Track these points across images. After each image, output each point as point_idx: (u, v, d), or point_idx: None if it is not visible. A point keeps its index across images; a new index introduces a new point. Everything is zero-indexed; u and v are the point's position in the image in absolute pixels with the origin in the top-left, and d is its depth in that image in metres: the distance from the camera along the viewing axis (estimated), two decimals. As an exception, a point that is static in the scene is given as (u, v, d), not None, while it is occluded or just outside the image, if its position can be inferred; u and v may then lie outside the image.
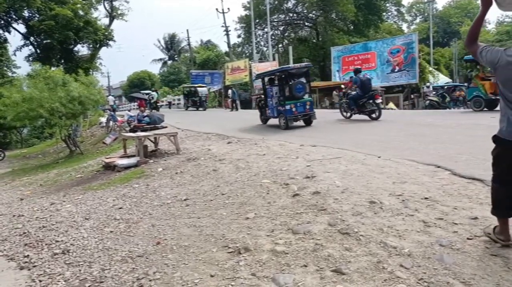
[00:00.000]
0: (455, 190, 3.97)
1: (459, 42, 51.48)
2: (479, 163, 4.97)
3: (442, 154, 5.77)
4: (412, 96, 26.10)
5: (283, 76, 11.38)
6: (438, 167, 4.92)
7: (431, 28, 42.30)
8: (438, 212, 3.42)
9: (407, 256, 2.73)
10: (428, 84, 24.54)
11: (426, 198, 3.77)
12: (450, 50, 50.29)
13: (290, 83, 11.04)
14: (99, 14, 29.37)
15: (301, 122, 11.51)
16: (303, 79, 11.34)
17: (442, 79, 33.09)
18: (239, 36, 44.99)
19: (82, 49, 29.27)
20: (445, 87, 23.53)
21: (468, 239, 2.89)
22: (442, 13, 60.61)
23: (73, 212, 5.36)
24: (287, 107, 10.83)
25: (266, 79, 12.51)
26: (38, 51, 27.21)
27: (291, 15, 42.99)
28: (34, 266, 3.55)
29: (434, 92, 22.54)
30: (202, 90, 27.64)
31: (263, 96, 12.83)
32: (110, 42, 29.08)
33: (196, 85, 29.47)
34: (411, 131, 8.52)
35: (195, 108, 27.31)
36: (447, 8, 61.16)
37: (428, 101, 22.39)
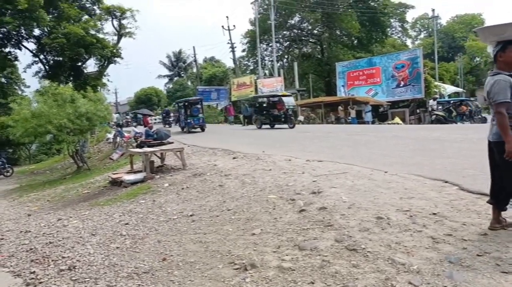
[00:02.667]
0: (463, 205, 3.93)
1: (463, 57, 51.63)
2: (487, 178, 4.89)
3: (449, 168, 5.73)
4: (418, 111, 26.03)
5: (186, 103, 20.71)
6: (446, 182, 4.88)
7: (436, 43, 42.47)
8: (447, 228, 3.38)
9: (416, 273, 2.69)
10: (435, 96, 24.44)
11: (434, 214, 3.73)
12: (455, 65, 50.39)
13: (190, 107, 20.14)
14: (107, 31, 29.92)
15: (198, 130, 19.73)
16: (198, 105, 20.58)
17: (449, 88, 33.05)
18: (243, 50, 45.60)
19: (90, 66, 29.84)
20: (451, 101, 23.47)
21: (478, 255, 2.84)
22: (446, 28, 60.96)
23: (79, 227, 5.38)
24: (189, 121, 19.81)
25: (179, 105, 22.03)
26: (47, 68, 27.75)
27: (296, 31, 43.52)
28: (40, 283, 3.55)
29: (440, 107, 22.45)
30: (288, 100, 19.97)
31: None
32: (118, 59, 29.63)
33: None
34: (418, 146, 8.48)
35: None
36: (451, 23, 61.52)
37: (434, 116, 22.31)
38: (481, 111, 23.52)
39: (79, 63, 28.28)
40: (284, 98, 19.49)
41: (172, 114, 28.42)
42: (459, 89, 38.59)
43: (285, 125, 18.12)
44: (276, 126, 18.90)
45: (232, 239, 3.97)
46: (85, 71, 29.57)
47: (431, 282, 2.55)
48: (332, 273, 2.85)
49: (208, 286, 3.02)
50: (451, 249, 2.99)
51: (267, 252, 3.44)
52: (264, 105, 20.72)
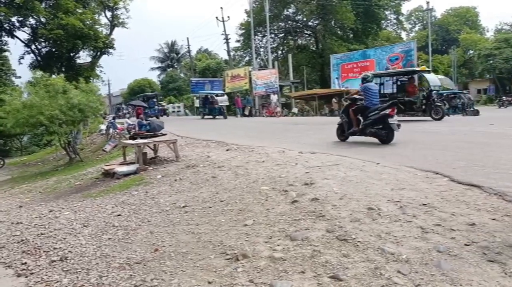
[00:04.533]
0: (453, 196, 3.98)
1: (457, 49, 51.81)
2: (477, 169, 4.99)
3: (440, 160, 5.78)
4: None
5: (145, 98, 27.96)
6: (436, 173, 4.93)
7: (430, 36, 42.53)
8: (436, 218, 3.42)
9: (405, 262, 2.72)
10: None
11: (424, 204, 3.78)
12: (449, 58, 50.59)
13: (147, 101, 26.76)
14: (100, 22, 29.46)
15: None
16: (154, 99, 28.20)
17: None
18: (238, 41, 45.34)
19: (83, 57, 29.48)
20: (445, 94, 23.58)
21: (465, 245, 2.89)
22: (441, 21, 61.04)
23: (71, 219, 5.35)
24: (146, 111, 23.30)
25: (140, 99, 27.78)
26: (39, 59, 27.37)
27: (290, 22, 43.31)
28: (32, 273, 3.54)
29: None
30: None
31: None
32: (111, 50, 29.27)
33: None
34: (410, 138, 8.54)
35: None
36: (446, 16, 61.59)
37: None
38: (474, 104, 23.69)
39: (72, 54, 27.92)
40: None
41: (124, 108, 34.24)
42: (449, 81, 38.71)
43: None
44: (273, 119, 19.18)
45: (225, 229, 3.99)
46: (78, 62, 29.24)
47: (419, 271, 2.59)
48: (323, 263, 2.88)
49: (200, 276, 3.03)
50: (439, 238, 3.03)
51: (259, 243, 3.46)
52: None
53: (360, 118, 8.35)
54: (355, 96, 8.73)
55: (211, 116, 25.37)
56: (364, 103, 8.33)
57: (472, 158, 5.83)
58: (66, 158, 16.84)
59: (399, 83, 14.64)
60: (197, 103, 35.36)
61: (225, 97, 26.03)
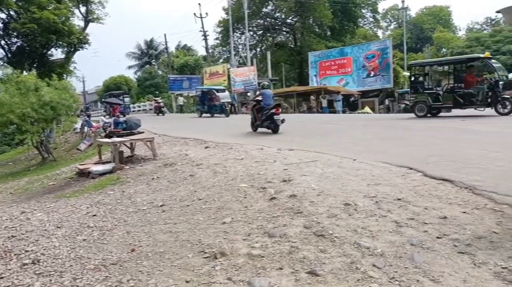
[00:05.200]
0: (426, 190, 4.09)
1: (431, 48, 53.22)
2: (448, 164, 5.15)
3: (414, 156, 5.93)
4: (387, 100, 26.73)
5: (112, 95, 30.09)
6: (411, 168, 5.06)
7: (405, 34, 43.49)
8: (410, 212, 3.51)
9: (380, 256, 2.78)
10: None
11: (398, 199, 3.87)
12: (423, 55, 51.88)
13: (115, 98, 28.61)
14: (74, 17, 28.66)
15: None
16: (120, 97, 30.22)
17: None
18: (217, 38, 45.08)
19: (56, 53, 28.61)
20: None
21: (437, 237, 2.98)
22: (416, 19, 62.52)
23: (44, 220, 5.19)
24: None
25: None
26: (9, 55, 26.38)
27: (269, 20, 43.37)
28: (1, 278, 3.41)
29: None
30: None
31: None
32: (86, 46, 28.52)
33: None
34: (386, 134, 8.73)
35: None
36: (420, 15, 63.13)
37: (403, 105, 22.97)
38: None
39: (44, 50, 27.03)
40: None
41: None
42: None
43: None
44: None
45: (203, 228, 3.97)
46: (51, 58, 28.35)
47: (394, 264, 2.66)
48: (300, 259, 2.91)
49: (178, 275, 3.01)
50: (413, 232, 3.11)
51: (237, 240, 3.46)
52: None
53: (260, 115, 10.97)
54: (258, 98, 11.40)
55: (209, 115, 22.66)
56: (262, 104, 10.93)
57: (443, 153, 6.00)
58: (38, 158, 16.32)
59: (456, 72, 13.02)
60: (180, 101, 34.87)
61: (227, 93, 24.06)
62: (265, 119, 10.73)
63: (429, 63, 13.94)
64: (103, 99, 26.97)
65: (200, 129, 14.16)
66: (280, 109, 11.20)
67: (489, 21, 59.17)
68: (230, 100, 23.88)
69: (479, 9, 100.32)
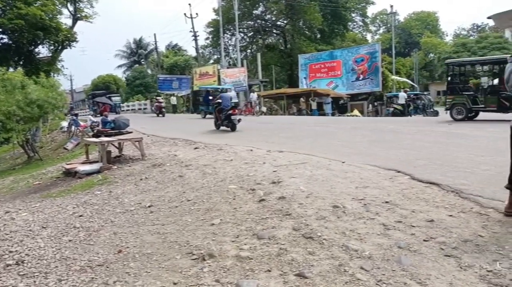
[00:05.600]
0: (413, 194, 4.14)
1: (419, 52, 53.99)
2: (436, 168, 5.23)
3: (402, 159, 6.00)
4: (375, 103, 27.01)
5: (94, 95, 33.73)
6: (398, 171, 5.11)
7: (393, 39, 44.05)
8: (398, 215, 3.54)
9: (368, 259, 2.80)
10: (406, 89, 25.38)
11: (386, 202, 3.90)
12: (411, 60, 52.62)
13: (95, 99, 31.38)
14: (61, 15, 28.24)
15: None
16: (107, 97, 31.27)
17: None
18: (207, 38, 44.95)
19: (43, 51, 28.15)
20: (411, 96, 24.40)
21: (424, 240, 3.01)
22: (404, 24, 63.34)
23: (29, 220, 5.10)
24: (95, 108, 26.97)
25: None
26: (-6, 52, 25.86)
27: (259, 21, 43.44)
28: (-16, 279, 3.34)
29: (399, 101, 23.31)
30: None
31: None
32: (73, 44, 28.13)
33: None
34: (374, 138, 8.81)
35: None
36: (409, 20, 63.99)
37: (392, 109, 23.24)
38: (433, 105, 24.76)
39: (31, 48, 26.57)
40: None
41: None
42: (413, 83, 40.43)
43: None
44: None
45: (191, 229, 3.94)
46: (38, 56, 27.87)
47: (381, 267, 2.68)
48: (289, 261, 2.91)
49: (165, 277, 2.97)
50: (400, 235, 3.14)
51: (225, 242, 3.44)
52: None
53: (221, 115, 12.58)
54: (218, 101, 12.94)
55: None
56: (222, 106, 12.56)
57: (431, 156, 6.09)
58: (24, 157, 16.02)
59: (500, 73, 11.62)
60: (173, 100, 34.28)
61: (234, 93, 21.06)
62: (224, 119, 12.32)
63: (470, 62, 13.06)
64: (90, 99, 26.39)
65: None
66: (237, 111, 13.19)
67: (475, 27, 60.39)
68: (237, 101, 21.01)
69: (466, 16, 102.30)
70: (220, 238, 3.55)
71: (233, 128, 12.17)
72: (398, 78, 29.95)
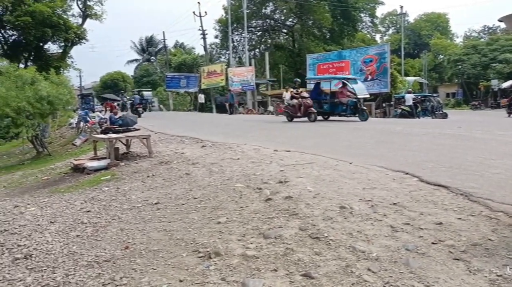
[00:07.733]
0: (421, 196, 4.10)
1: (428, 54, 53.51)
2: (444, 170, 5.17)
3: (410, 161, 5.94)
4: (383, 105, 26.81)
5: (83, 95, 31.71)
6: (406, 173, 5.06)
7: (403, 40, 43.70)
8: (405, 217, 3.51)
9: (375, 260, 2.78)
10: (409, 90, 25.23)
11: (394, 204, 3.87)
12: (420, 61, 52.18)
13: (84, 99, 29.99)
14: (72, 12, 28.50)
15: None
16: (90, 97, 30.98)
17: (410, 79, 34.47)
18: (216, 37, 45.01)
19: (53, 47, 28.41)
20: (419, 97, 24.16)
21: (433, 243, 2.98)
22: (413, 25, 62.76)
23: (37, 215, 5.15)
24: (84, 106, 25.85)
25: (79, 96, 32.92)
26: (5, 48, 26.16)
27: (268, 21, 43.35)
28: (-7, 272, 3.37)
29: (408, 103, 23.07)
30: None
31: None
32: (83, 41, 28.36)
33: None
34: (382, 139, 8.74)
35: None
36: (418, 21, 63.38)
37: (400, 110, 23.02)
38: (442, 107, 24.50)
39: (41, 44, 26.83)
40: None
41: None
42: (423, 80, 40.12)
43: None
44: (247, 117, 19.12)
45: (197, 227, 3.94)
46: (48, 52, 28.16)
47: (389, 269, 2.65)
48: (295, 261, 2.90)
49: (171, 274, 2.98)
50: (408, 237, 3.11)
51: (232, 240, 3.44)
52: None
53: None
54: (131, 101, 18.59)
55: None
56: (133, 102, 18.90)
57: (439, 159, 6.02)
58: (33, 152, 16.20)
59: None
60: (201, 98, 33.71)
61: (361, 84, 17.68)
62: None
63: None
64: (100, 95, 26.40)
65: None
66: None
67: (486, 29, 59.63)
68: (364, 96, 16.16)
69: (476, 17, 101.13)
70: (226, 237, 3.55)
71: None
72: (408, 78, 29.88)
